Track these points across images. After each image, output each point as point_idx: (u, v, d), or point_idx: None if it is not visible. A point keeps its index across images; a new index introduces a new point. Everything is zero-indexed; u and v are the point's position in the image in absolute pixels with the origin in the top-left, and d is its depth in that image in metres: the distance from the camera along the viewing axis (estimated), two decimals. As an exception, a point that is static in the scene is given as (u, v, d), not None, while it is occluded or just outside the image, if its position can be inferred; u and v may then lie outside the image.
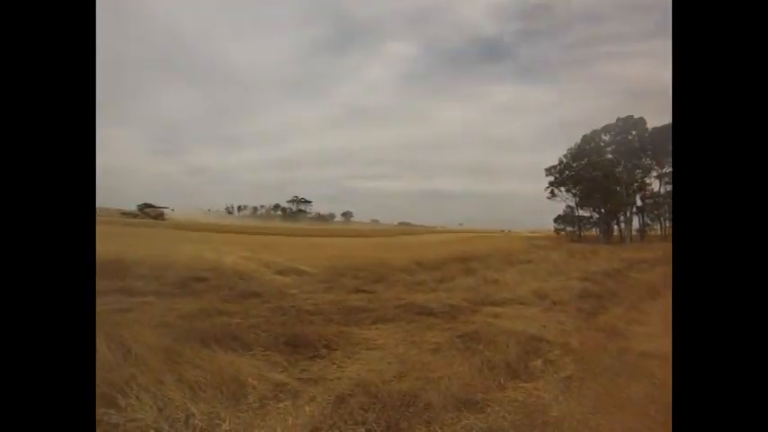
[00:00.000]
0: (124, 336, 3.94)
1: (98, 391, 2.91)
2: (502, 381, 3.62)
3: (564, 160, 44.86)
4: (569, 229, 46.78)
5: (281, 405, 3.02)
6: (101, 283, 7.17)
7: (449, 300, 6.91)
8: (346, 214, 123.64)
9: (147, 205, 67.42)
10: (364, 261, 11.85)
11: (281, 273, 9.76)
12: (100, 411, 2.75)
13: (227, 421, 2.74)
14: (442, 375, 3.57)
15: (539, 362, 4.13)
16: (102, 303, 5.98)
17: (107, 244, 14.43)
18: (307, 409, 2.98)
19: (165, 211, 68.57)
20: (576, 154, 43.67)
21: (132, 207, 66.98)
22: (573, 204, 45.79)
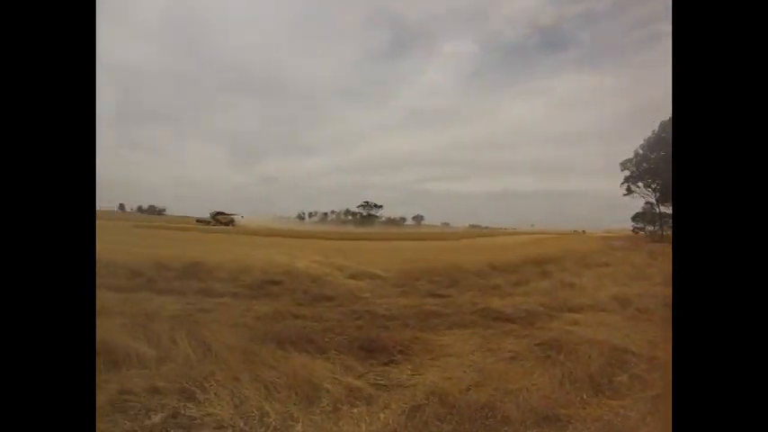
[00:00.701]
0: (204, 334, 4.17)
1: (178, 385, 3.16)
2: (585, 396, 3.38)
3: (640, 152, 40.39)
4: (649, 228, 43.05)
5: (354, 410, 2.99)
6: (184, 284, 8.15)
7: (525, 305, 6.69)
8: (417, 218, 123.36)
9: (218, 213, 69.89)
10: (437, 264, 11.58)
11: (353, 276, 9.78)
12: (179, 404, 2.92)
13: (301, 422, 2.76)
14: (520, 387, 3.41)
15: (624, 377, 3.79)
16: (184, 303, 6.50)
17: (188, 249, 15.29)
18: (381, 416, 2.92)
19: (235, 218, 70.70)
20: (654, 144, 38.65)
21: (207, 215, 70.15)
22: (653, 200, 40.99)
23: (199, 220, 65.80)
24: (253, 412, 2.78)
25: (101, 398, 3.10)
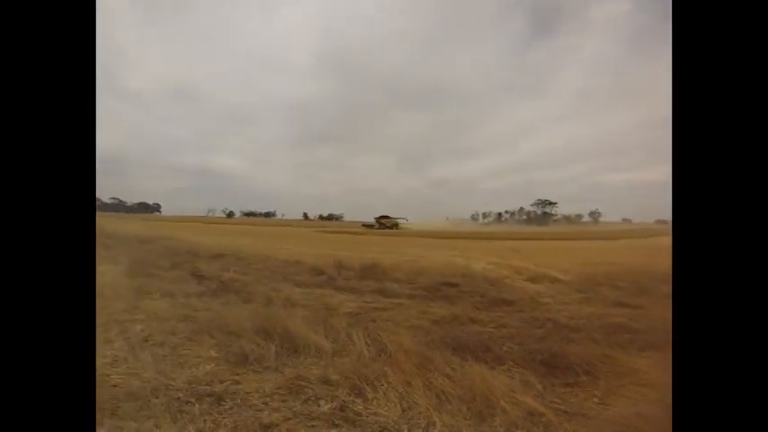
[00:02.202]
0: (380, 334, 4.27)
1: (350, 380, 3.22)
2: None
3: None
4: None
5: (530, 438, 2.71)
6: (362, 284, 8.27)
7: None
8: (593, 213, 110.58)
9: (383, 217, 72.33)
10: (621, 267, 10.52)
11: (532, 280, 9.25)
12: (348, 398, 2.99)
13: (469, 441, 2.57)
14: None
15: None
16: (362, 301, 6.73)
17: (364, 251, 16.79)
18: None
19: (400, 221, 72.81)
20: None
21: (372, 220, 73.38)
22: None
23: (364, 225, 70.53)
24: (419, 420, 2.71)
25: (278, 379, 3.35)
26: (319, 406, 2.91)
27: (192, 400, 3.09)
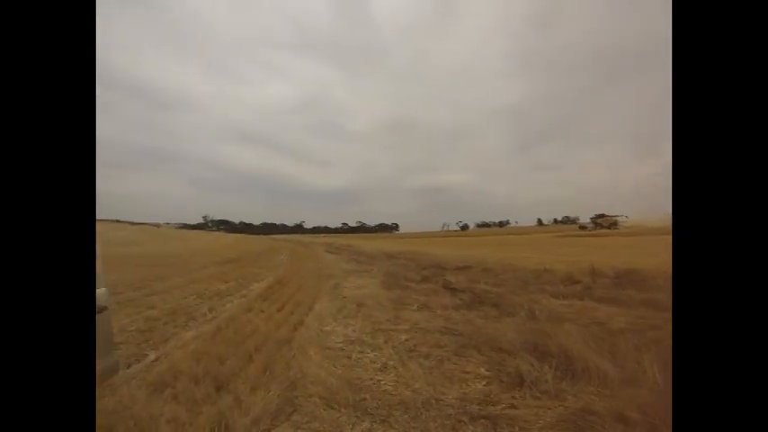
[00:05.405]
0: (668, 358, 3.49)
1: (648, 421, 2.62)
2: None
3: None
4: None
5: None
6: (622, 293, 7.36)
7: None
8: None
9: (599, 216, 67.10)
10: None
11: None
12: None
13: None
14: None
15: None
16: (635, 316, 5.80)
17: (614, 255, 15.49)
18: None
19: (619, 219, 66.37)
20: None
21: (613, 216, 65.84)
22: None
23: (581, 227, 64.87)
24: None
25: (559, 409, 2.96)
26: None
27: (465, 419, 2.97)
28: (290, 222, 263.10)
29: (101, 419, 3.22)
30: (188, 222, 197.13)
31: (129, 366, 4.76)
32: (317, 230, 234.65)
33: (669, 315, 5.68)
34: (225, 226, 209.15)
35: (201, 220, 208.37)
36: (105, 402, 3.58)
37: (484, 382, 3.66)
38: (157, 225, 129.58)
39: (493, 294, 8.08)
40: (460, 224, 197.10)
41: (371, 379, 3.95)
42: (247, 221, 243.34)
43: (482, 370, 3.97)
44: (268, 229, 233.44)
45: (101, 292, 2.99)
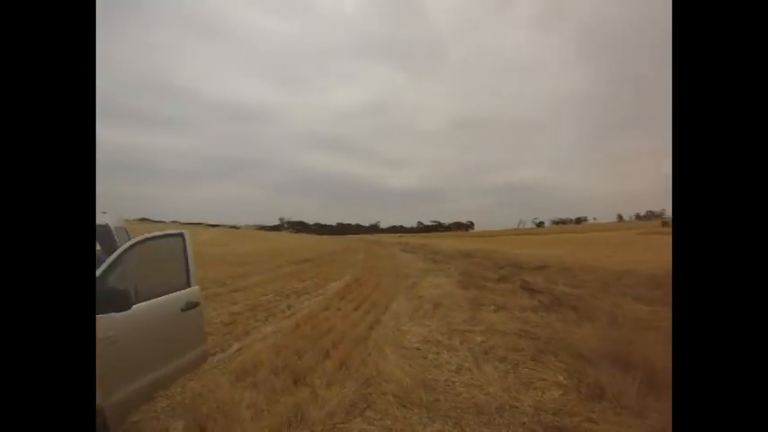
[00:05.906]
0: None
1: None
2: None
3: None
4: None
5: None
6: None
7: None
8: None
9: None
10: None
11: None
12: None
13: None
14: None
15: None
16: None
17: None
18: None
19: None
20: None
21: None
22: None
23: (664, 223, 61.87)
24: None
25: (643, 428, 2.84)
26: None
27: (540, 429, 2.90)
28: (365, 222, 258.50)
29: (187, 401, 3.52)
30: (264, 224, 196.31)
31: (214, 355, 4.99)
32: (393, 230, 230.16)
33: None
34: (300, 227, 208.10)
35: (278, 222, 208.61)
36: (192, 385, 3.86)
37: (561, 391, 3.57)
38: (236, 227, 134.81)
39: (572, 296, 7.91)
40: (536, 221, 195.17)
41: (446, 380, 3.94)
42: (323, 223, 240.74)
43: (560, 377, 3.90)
44: (343, 229, 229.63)
45: (194, 289, 3.28)
